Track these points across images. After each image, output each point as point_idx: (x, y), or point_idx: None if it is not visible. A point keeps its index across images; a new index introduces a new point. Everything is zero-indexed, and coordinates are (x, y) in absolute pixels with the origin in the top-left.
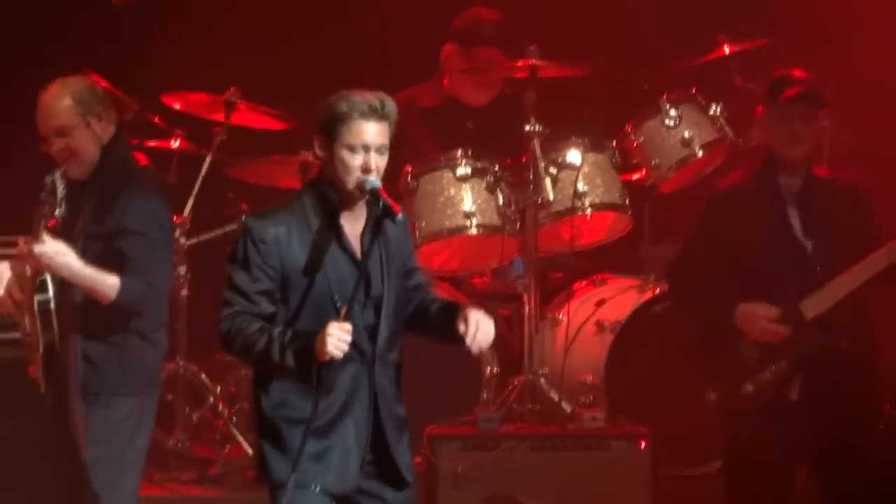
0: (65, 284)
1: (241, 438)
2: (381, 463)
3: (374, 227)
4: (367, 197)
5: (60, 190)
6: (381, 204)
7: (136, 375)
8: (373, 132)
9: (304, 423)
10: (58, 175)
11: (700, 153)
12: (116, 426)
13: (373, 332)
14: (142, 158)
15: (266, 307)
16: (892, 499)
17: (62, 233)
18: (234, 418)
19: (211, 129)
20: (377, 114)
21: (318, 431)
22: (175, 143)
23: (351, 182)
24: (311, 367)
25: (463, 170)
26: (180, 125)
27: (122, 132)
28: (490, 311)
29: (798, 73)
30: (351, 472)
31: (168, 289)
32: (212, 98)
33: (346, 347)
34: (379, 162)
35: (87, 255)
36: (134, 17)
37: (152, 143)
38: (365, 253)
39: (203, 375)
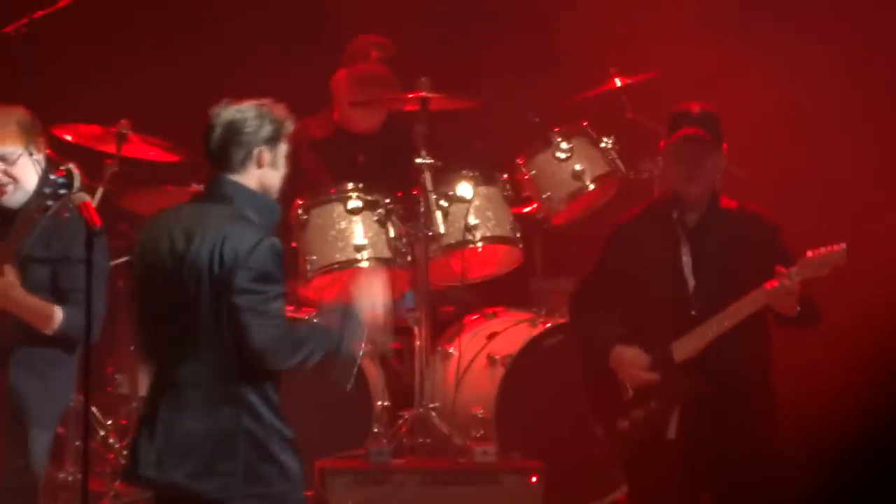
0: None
1: None
2: None
3: None
4: None
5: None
6: None
7: (56, 409)
8: None
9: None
10: None
11: (591, 186)
12: (35, 457)
13: None
14: None
15: None
16: None
17: None
18: (125, 451)
19: (103, 160)
20: None
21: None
22: None
23: None
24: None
25: (354, 203)
26: (71, 157)
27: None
28: (381, 345)
29: (694, 107)
30: None
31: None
32: (103, 130)
33: None
34: None
35: (26, 280)
36: (25, 47)
37: None
38: None
39: (94, 408)
